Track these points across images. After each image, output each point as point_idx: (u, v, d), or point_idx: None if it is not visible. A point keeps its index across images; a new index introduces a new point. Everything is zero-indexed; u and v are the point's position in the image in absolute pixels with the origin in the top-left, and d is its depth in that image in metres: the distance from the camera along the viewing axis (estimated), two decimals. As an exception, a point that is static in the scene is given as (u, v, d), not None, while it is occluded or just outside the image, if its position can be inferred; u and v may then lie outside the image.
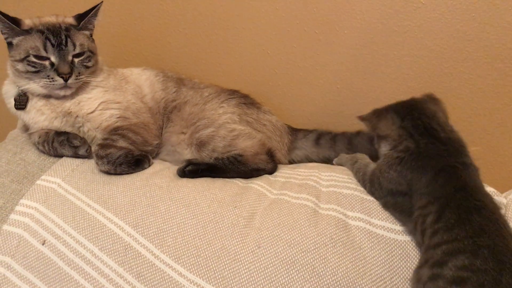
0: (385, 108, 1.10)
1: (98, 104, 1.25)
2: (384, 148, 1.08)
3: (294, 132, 1.45)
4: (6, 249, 1.04)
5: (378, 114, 1.10)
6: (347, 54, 1.42)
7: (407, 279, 0.94)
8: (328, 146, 1.38)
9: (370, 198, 1.08)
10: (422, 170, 0.96)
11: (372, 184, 1.07)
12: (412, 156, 0.99)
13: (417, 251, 0.96)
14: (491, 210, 0.88)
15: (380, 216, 1.03)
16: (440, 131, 1.02)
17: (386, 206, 1.04)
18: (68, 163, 1.19)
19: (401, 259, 0.96)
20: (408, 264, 0.96)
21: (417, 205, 0.94)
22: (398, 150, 1.02)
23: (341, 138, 1.37)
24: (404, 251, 0.97)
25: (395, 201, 1.01)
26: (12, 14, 1.17)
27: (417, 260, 0.93)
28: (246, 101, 1.41)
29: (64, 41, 1.17)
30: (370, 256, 0.96)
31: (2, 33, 1.17)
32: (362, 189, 1.11)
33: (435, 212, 0.89)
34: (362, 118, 1.13)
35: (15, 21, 1.16)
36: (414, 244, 0.98)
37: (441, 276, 0.81)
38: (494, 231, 0.84)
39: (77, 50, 1.19)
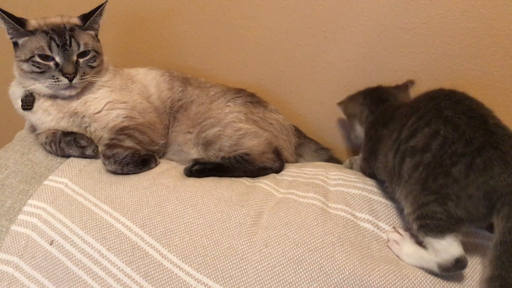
0: (356, 92, 1.32)
1: (104, 104, 1.25)
2: (357, 127, 1.29)
3: (307, 140, 1.46)
4: (14, 249, 1.04)
5: (350, 97, 1.34)
6: (353, 51, 1.41)
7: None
8: None
9: (377, 198, 1.08)
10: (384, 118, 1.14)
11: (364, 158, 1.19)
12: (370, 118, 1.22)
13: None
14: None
15: (387, 221, 1.04)
16: (390, 100, 1.23)
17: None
18: (75, 163, 1.19)
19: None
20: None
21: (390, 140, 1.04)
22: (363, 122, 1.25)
23: None
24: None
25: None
26: (18, 14, 1.17)
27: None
28: (252, 99, 1.41)
29: (68, 41, 1.17)
30: (378, 255, 0.96)
31: (8, 33, 1.17)
32: (370, 188, 1.11)
33: (397, 129, 1.01)
34: (339, 103, 1.37)
35: (21, 22, 1.17)
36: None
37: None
38: None
39: (81, 50, 1.19)
